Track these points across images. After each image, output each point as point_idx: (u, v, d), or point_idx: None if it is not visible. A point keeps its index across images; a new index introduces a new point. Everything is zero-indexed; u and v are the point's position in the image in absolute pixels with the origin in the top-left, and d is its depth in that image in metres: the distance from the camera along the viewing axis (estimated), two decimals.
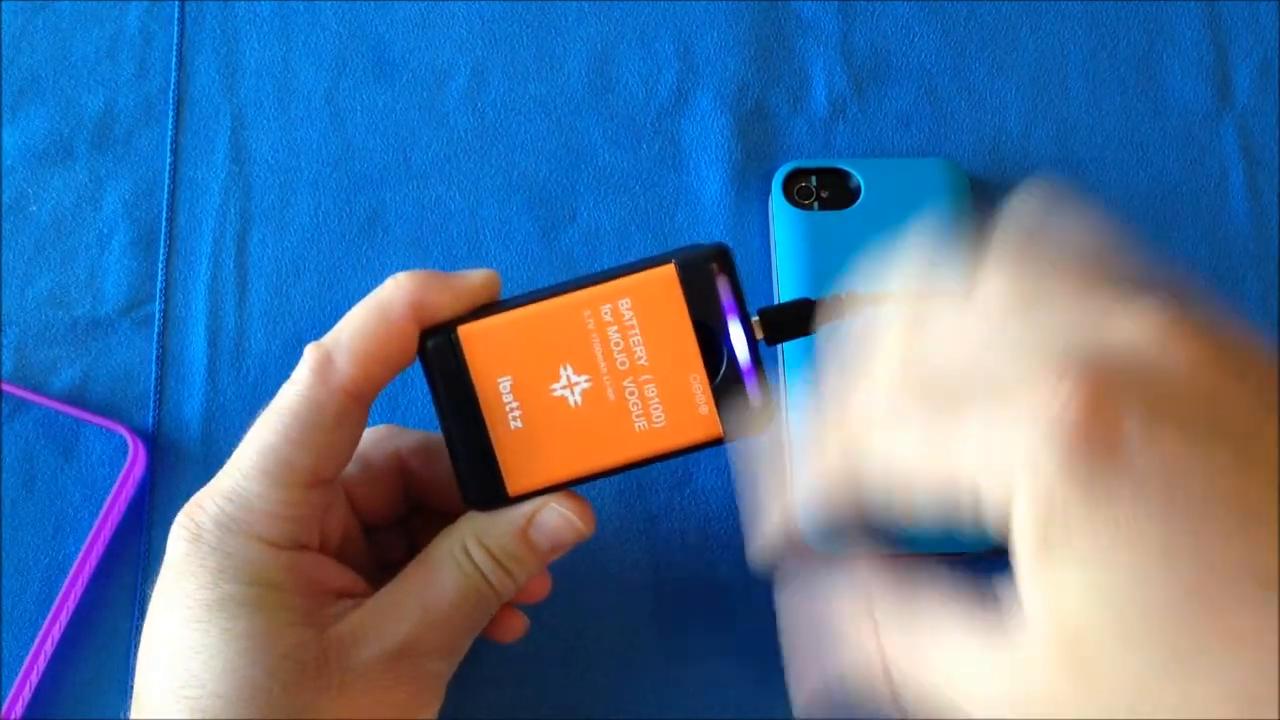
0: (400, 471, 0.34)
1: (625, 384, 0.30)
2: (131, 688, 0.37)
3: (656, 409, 0.30)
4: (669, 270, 0.30)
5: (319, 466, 0.29)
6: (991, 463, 0.22)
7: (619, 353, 0.30)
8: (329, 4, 0.45)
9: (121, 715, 0.37)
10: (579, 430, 0.30)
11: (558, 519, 0.30)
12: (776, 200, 0.41)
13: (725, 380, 0.30)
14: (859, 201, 0.41)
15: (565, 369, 0.30)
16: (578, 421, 0.30)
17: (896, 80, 0.44)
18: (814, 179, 0.41)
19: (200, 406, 0.40)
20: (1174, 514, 0.20)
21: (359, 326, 0.29)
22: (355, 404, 0.29)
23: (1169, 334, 0.22)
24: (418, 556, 0.31)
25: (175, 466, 0.39)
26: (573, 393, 0.30)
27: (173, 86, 0.44)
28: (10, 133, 0.43)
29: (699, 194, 0.43)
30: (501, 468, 0.30)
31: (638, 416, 0.30)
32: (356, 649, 0.28)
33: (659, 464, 0.30)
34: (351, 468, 0.33)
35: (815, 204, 0.41)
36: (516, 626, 0.34)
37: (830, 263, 0.40)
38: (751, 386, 0.30)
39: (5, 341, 0.41)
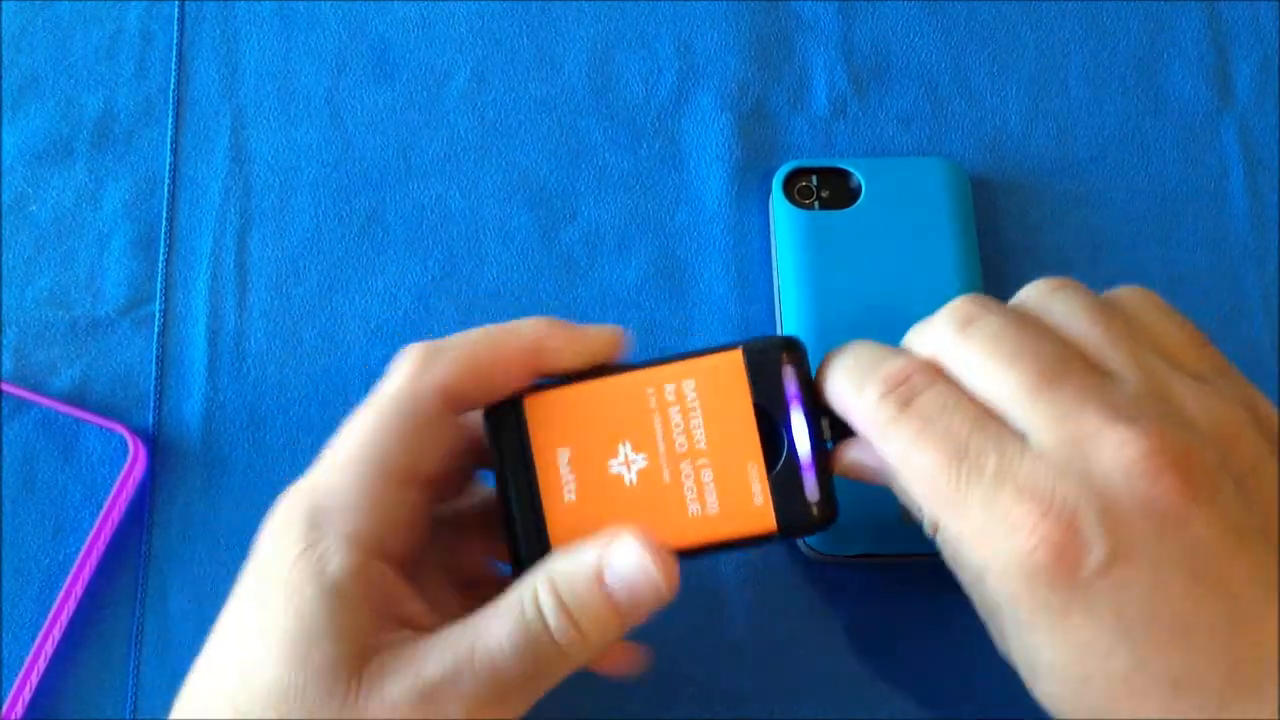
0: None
1: (682, 466, 0.29)
2: (133, 688, 0.37)
3: (711, 495, 0.29)
4: (736, 355, 0.29)
5: (412, 463, 0.28)
6: (978, 542, 0.26)
7: (679, 434, 0.29)
8: (329, 4, 0.45)
9: (126, 714, 0.37)
10: (632, 508, 0.29)
11: (633, 564, 0.28)
12: (777, 200, 0.41)
13: (784, 472, 0.29)
14: (859, 201, 0.41)
15: (624, 446, 0.29)
16: (631, 500, 0.29)
17: (897, 80, 0.44)
18: (814, 178, 0.41)
19: (200, 406, 0.40)
20: (1120, 629, 0.24)
21: (475, 336, 0.29)
22: (449, 406, 0.29)
23: (1147, 466, 0.24)
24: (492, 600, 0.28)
25: (175, 466, 0.39)
26: (629, 470, 0.29)
27: (172, 86, 0.44)
28: (10, 132, 0.43)
29: (699, 194, 0.43)
30: (551, 540, 0.29)
31: (691, 500, 0.29)
32: (390, 681, 0.26)
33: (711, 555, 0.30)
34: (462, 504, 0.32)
35: (815, 203, 0.41)
36: (625, 660, 0.32)
37: (831, 262, 0.40)
38: (809, 482, 0.29)
39: (5, 341, 0.41)
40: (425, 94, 0.44)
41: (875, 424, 0.28)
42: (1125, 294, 0.30)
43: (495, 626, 0.27)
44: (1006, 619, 0.27)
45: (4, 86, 0.44)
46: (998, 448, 0.26)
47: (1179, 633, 0.24)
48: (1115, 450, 0.25)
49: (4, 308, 0.41)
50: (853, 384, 0.28)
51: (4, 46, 0.44)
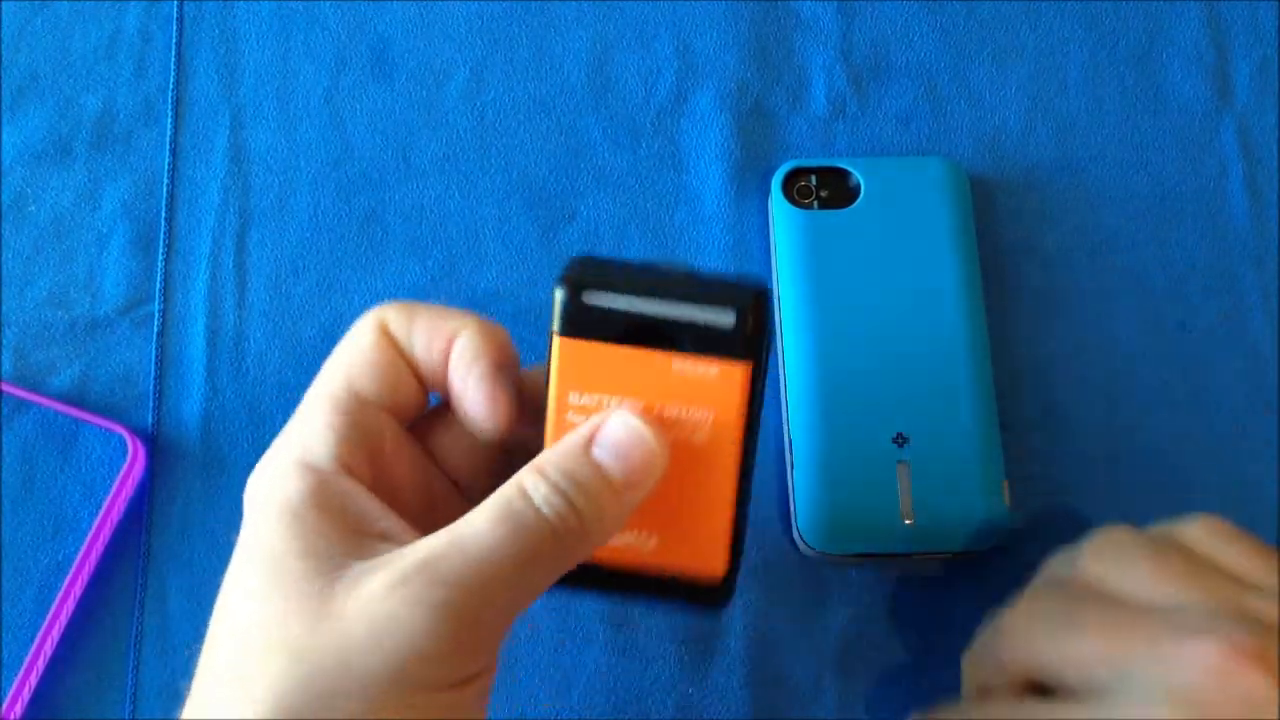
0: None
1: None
2: (132, 688, 0.37)
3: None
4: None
5: (351, 381, 0.29)
6: None
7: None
8: (328, 4, 0.45)
9: (126, 714, 0.37)
10: None
11: (624, 431, 0.26)
12: (776, 199, 0.41)
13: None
14: (859, 201, 0.41)
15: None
16: None
17: (896, 79, 0.44)
18: (814, 178, 0.41)
19: (199, 406, 0.40)
20: None
21: (435, 305, 0.30)
22: (384, 336, 0.30)
23: (1228, 665, 0.25)
24: None
25: (175, 466, 0.39)
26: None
27: (171, 86, 0.44)
28: (9, 132, 0.43)
29: (699, 193, 0.43)
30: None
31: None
32: (363, 581, 0.25)
33: None
34: (446, 419, 0.31)
35: (815, 203, 0.41)
36: None
37: (830, 262, 0.40)
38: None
39: (4, 341, 0.41)
40: (424, 94, 0.44)
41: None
42: (1187, 528, 0.31)
43: (477, 516, 0.26)
44: None
45: (3, 86, 0.44)
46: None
47: None
48: (1194, 659, 0.25)
49: (4, 308, 0.41)
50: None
51: (3, 46, 0.44)
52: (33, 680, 0.36)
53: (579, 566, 0.28)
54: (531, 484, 0.26)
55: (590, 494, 0.26)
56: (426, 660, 0.25)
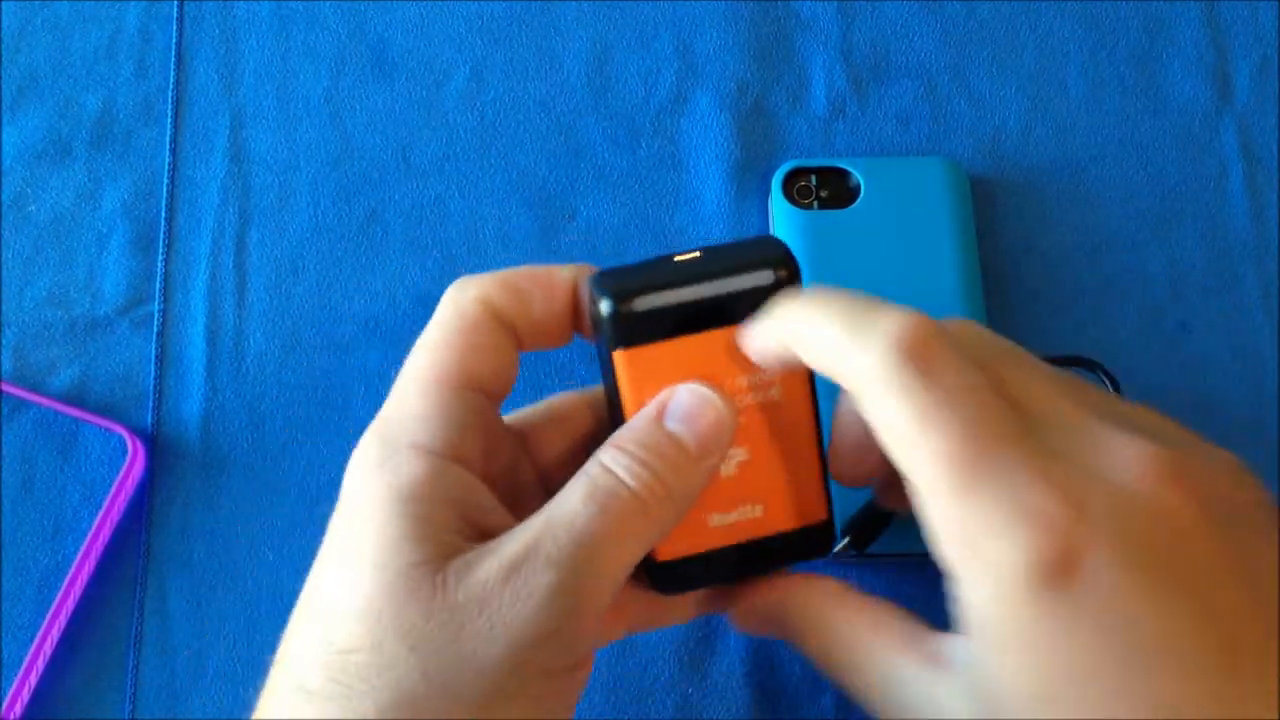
0: (588, 421, 0.32)
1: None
2: (131, 688, 0.37)
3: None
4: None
5: (462, 363, 0.28)
6: (976, 532, 0.24)
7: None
8: (328, 4, 0.45)
9: (125, 714, 0.37)
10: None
11: (690, 397, 0.28)
12: (776, 199, 0.41)
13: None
14: (859, 200, 0.41)
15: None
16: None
17: (896, 79, 0.44)
18: (814, 178, 0.41)
19: (199, 406, 0.40)
20: (1112, 649, 0.22)
21: (515, 267, 0.30)
22: (491, 316, 0.29)
23: (1159, 477, 0.24)
24: None
25: (174, 466, 0.39)
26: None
27: (171, 86, 0.44)
28: (9, 132, 0.43)
29: (699, 193, 0.43)
30: None
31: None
32: (473, 570, 0.25)
33: None
34: (536, 413, 0.32)
35: (815, 203, 0.41)
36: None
37: (830, 262, 0.40)
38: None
39: (4, 341, 0.41)
40: (425, 94, 0.44)
41: (881, 383, 0.25)
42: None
43: (567, 496, 0.27)
44: (974, 634, 0.25)
45: (3, 86, 0.44)
46: (1017, 437, 0.24)
47: (1175, 659, 0.22)
48: (1133, 461, 0.24)
49: (3, 308, 0.41)
50: (849, 335, 0.26)
51: (4, 46, 0.44)
52: (33, 680, 0.36)
53: (693, 564, 0.30)
54: (611, 459, 0.27)
55: (669, 460, 0.27)
56: (544, 646, 0.25)
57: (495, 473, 0.29)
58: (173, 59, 0.44)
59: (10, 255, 0.42)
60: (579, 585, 0.26)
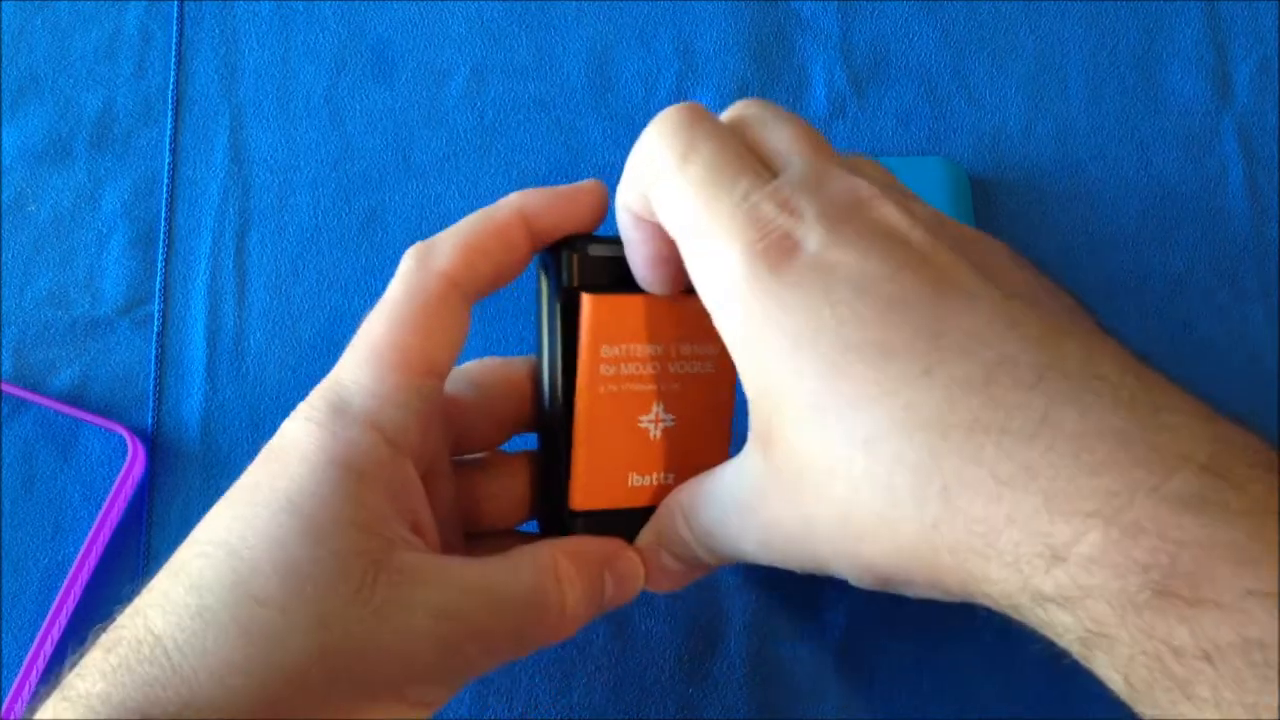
0: (514, 398, 0.33)
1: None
2: None
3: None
4: None
5: (426, 348, 0.28)
6: (713, 244, 0.26)
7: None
8: (328, 4, 0.45)
9: None
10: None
11: (632, 567, 0.31)
12: None
13: None
14: None
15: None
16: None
17: (896, 79, 0.44)
18: None
19: (199, 406, 0.40)
20: (831, 306, 0.24)
21: (462, 223, 0.30)
22: (456, 292, 0.29)
23: (882, 199, 0.26)
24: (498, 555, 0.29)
25: (174, 466, 0.39)
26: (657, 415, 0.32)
27: (172, 86, 0.44)
28: (9, 132, 0.43)
29: None
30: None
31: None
32: (411, 588, 0.26)
33: None
34: (461, 387, 0.32)
35: None
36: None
37: None
38: None
39: (4, 341, 0.41)
40: (424, 94, 0.44)
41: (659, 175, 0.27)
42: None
43: (518, 574, 0.28)
44: (727, 323, 0.26)
45: (3, 86, 0.44)
46: (749, 172, 0.27)
47: (887, 306, 0.24)
48: (860, 187, 0.26)
49: (4, 308, 0.41)
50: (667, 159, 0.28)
51: (3, 46, 0.44)
52: (33, 680, 0.36)
53: (602, 518, 0.32)
54: (568, 581, 0.29)
55: (590, 602, 0.30)
56: (422, 684, 0.27)
57: (425, 459, 0.29)
58: (173, 59, 0.44)
59: (10, 255, 0.42)
60: (479, 658, 0.28)
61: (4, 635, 0.37)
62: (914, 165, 0.42)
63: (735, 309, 0.26)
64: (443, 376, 0.30)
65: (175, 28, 0.44)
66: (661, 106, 0.43)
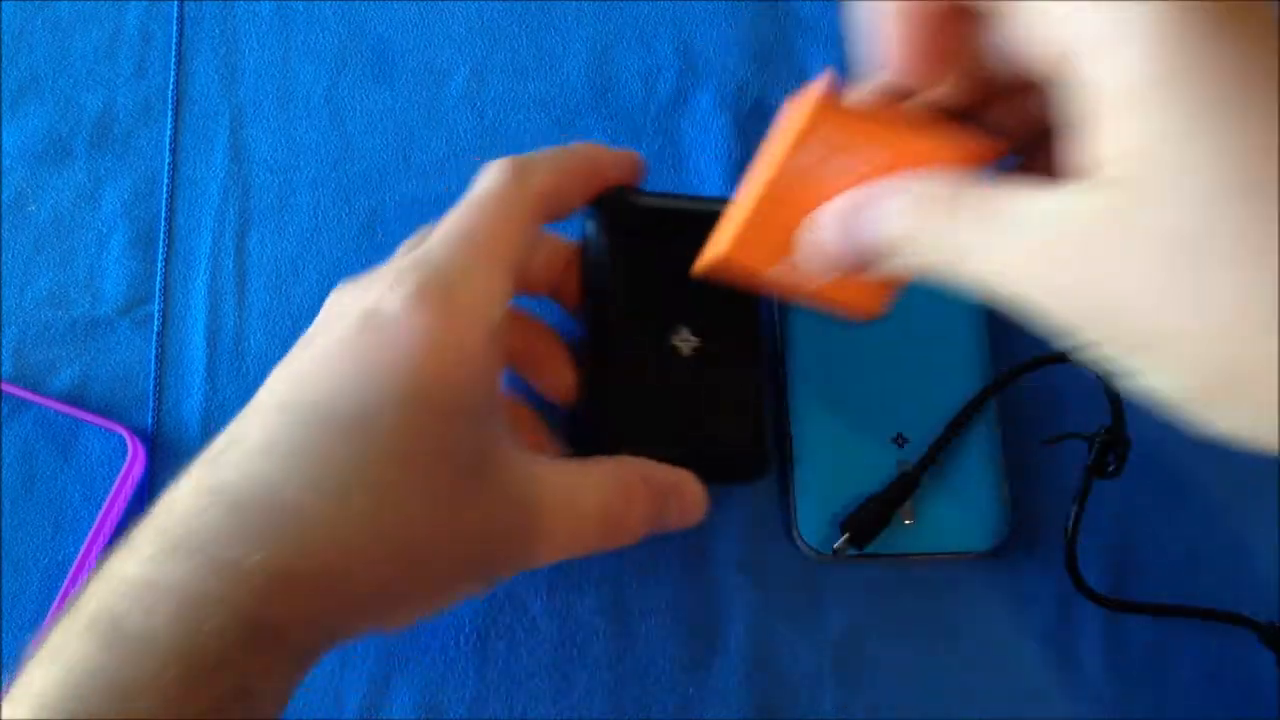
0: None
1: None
2: None
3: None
4: None
5: (520, 257, 0.29)
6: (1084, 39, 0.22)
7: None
8: (328, 4, 0.45)
9: None
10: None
11: (698, 499, 0.33)
12: None
13: None
14: None
15: None
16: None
17: None
18: None
19: (199, 406, 0.40)
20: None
21: (552, 152, 0.32)
22: (542, 214, 0.30)
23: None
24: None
25: (174, 466, 0.39)
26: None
27: (172, 86, 0.44)
28: (9, 132, 0.43)
29: (699, 193, 0.43)
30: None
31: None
32: (508, 483, 0.28)
33: None
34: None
35: None
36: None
37: None
38: None
39: (4, 341, 0.41)
40: (425, 94, 0.44)
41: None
42: None
43: (600, 486, 0.30)
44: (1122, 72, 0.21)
45: (4, 86, 0.44)
46: None
47: None
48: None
49: (4, 308, 0.41)
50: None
51: (3, 46, 0.44)
52: None
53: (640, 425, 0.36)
54: (640, 501, 0.31)
55: (656, 528, 0.32)
56: (498, 569, 0.29)
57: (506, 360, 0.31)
58: (173, 59, 0.44)
59: (10, 255, 0.42)
60: (539, 561, 0.30)
61: (4, 635, 0.37)
62: None
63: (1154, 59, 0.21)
64: (523, 289, 0.31)
65: (175, 28, 0.44)
66: (662, 106, 0.44)
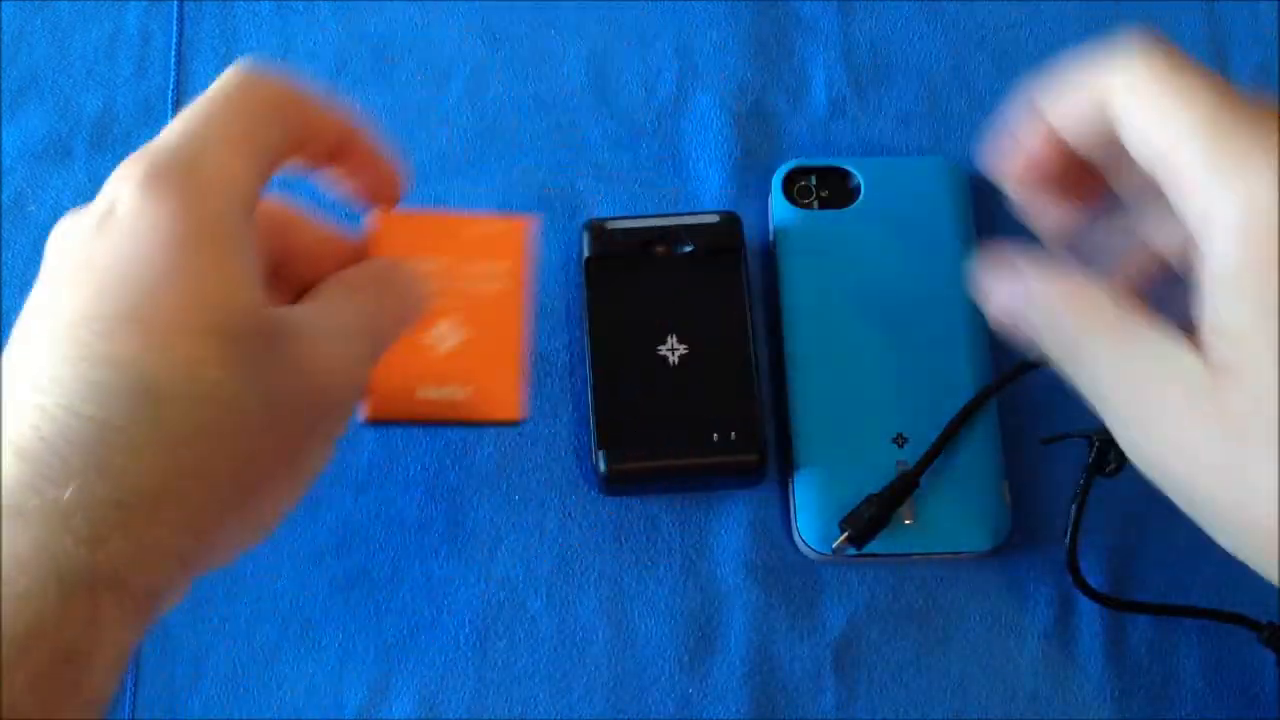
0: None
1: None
2: (132, 687, 0.37)
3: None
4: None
5: (268, 142, 0.28)
6: (1232, 176, 0.26)
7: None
8: (328, 4, 0.45)
9: (125, 714, 0.37)
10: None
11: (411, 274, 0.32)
12: (776, 199, 0.41)
13: None
14: (859, 200, 0.41)
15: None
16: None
17: (896, 80, 0.44)
18: (814, 178, 0.41)
19: None
20: None
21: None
22: (286, 119, 0.29)
23: None
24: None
25: None
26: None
27: (172, 86, 0.44)
28: (9, 132, 0.43)
29: (699, 193, 0.43)
30: None
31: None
32: (283, 349, 0.26)
33: None
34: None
35: (815, 203, 0.41)
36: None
37: (830, 262, 0.40)
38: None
39: (5, 341, 0.41)
40: (424, 93, 0.44)
41: (1131, 75, 0.29)
42: None
43: (345, 304, 0.30)
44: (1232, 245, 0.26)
45: (4, 86, 0.44)
46: (1260, 108, 0.28)
47: None
48: None
49: (4, 308, 0.41)
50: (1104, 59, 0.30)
51: (3, 46, 0.44)
52: None
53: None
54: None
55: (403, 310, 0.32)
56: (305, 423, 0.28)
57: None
58: (173, 59, 0.44)
59: (10, 255, 0.42)
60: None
61: None
62: (914, 165, 0.42)
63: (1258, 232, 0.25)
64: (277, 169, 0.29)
65: (175, 28, 0.44)
66: (662, 106, 0.44)
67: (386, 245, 0.34)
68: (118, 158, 0.42)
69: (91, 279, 0.26)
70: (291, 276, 0.31)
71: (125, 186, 0.26)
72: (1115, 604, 0.38)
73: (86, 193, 0.42)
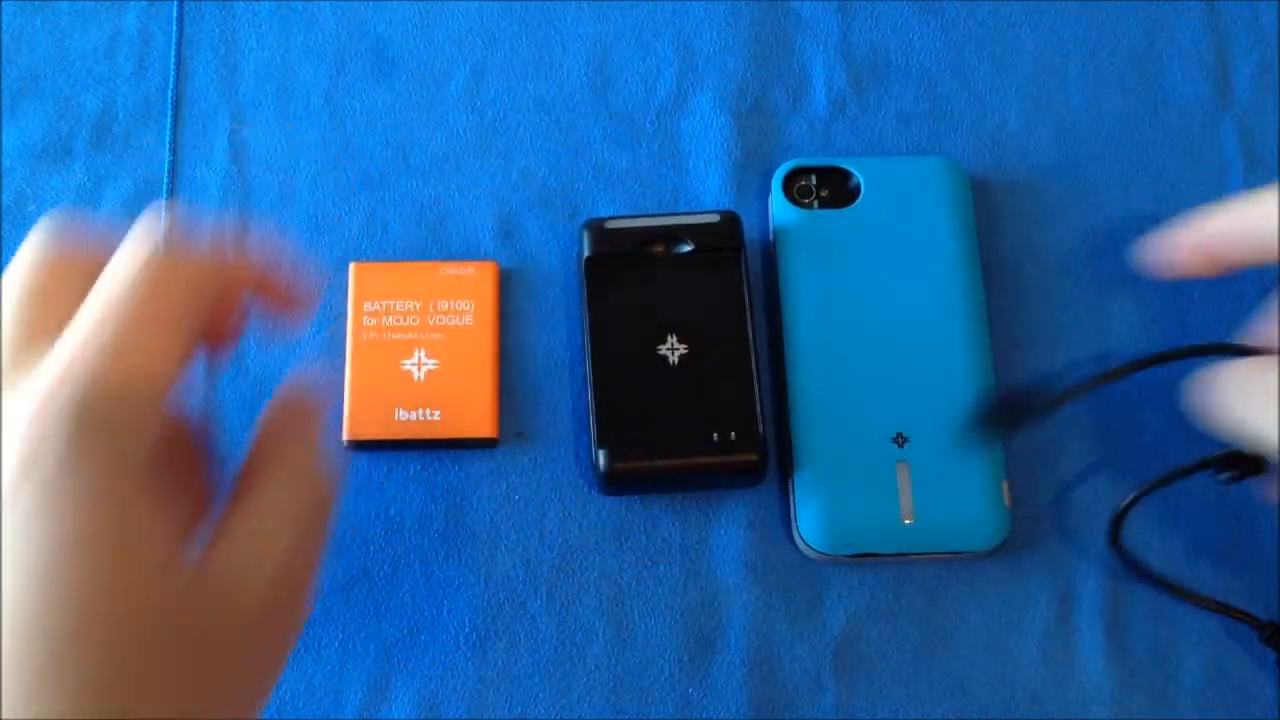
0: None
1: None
2: None
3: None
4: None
5: (188, 339, 0.28)
6: None
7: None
8: (328, 3, 0.45)
9: None
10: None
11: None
12: (776, 199, 0.41)
13: None
14: (859, 200, 0.41)
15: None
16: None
17: (896, 79, 0.44)
18: (814, 177, 0.41)
19: (199, 408, 0.40)
20: None
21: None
22: (207, 299, 0.29)
23: None
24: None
25: None
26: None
27: (171, 85, 0.44)
28: (9, 132, 0.43)
29: (699, 193, 0.43)
30: None
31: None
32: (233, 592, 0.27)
33: None
34: None
35: (815, 203, 0.41)
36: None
37: (830, 262, 0.40)
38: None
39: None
40: (424, 93, 0.44)
41: None
42: None
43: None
44: None
45: (3, 86, 0.44)
46: None
47: None
48: None
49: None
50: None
51: (3, 46, 0.44)
52: None
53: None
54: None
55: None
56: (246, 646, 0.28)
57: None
58: (172, 59, 0.44)
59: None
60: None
61: None
62: (914, 165, 0.42)
63: None
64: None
65: (175, 28, 0.44)
66: (662, 106, 0.44)
67: (364, 291, 0.40)
68: (117, 157, 0.43)
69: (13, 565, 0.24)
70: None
71: (49, 446, 0.25)
72: (1156, 581, 0.38)
73: (86, 193, 0.42)
